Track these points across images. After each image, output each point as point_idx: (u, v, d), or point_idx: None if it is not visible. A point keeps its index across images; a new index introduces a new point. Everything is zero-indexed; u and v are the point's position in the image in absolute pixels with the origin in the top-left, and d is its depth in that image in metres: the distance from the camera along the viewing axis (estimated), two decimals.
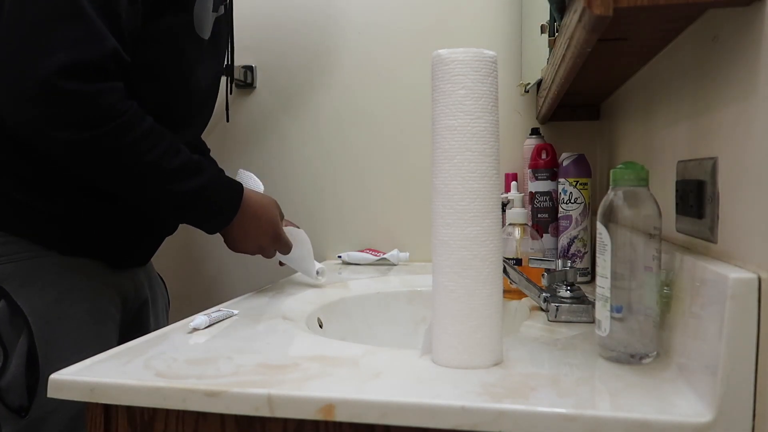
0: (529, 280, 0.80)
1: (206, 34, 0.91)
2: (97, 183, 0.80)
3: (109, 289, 0.88)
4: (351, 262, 1.29)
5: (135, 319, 0.98)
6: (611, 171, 0.56)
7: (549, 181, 1.08)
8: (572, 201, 1.00)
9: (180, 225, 1.04)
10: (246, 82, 1.39)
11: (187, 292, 1.44)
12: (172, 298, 1.47)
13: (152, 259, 1.04)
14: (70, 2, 0.71)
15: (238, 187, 0.88)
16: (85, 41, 0.72)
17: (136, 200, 0.82)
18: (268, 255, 0.96)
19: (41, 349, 0.78)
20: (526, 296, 0.84)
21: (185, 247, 1.41)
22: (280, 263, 1.03)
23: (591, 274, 1.02)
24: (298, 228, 1.00)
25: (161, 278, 1.11)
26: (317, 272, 1.01)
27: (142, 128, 0.76)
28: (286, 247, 0.96)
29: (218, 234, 0.91)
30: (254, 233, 0.91)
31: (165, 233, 0.99)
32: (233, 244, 0.92)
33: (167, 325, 1.04)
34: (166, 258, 1.41)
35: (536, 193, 1.09)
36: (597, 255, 0.58)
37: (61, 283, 0.81)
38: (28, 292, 0.79)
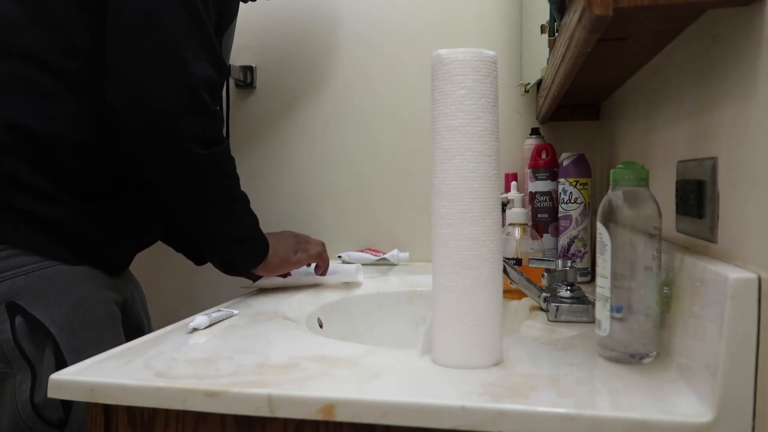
0: (529, 280, 0.80)
1: (229, 60, 0.98)
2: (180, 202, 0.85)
3: (113, 294, 0.88)
4: (351, 262, 1.29)
5: (133, 321, 0.99)
6: (611, 171, 0.56)
7: (549, 181, 1.08)
8: (572, 201, 1.00)
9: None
10: (246, 82, 1.39)
11: (187, 292, 1.44)
12: (172, 298, 1.48)
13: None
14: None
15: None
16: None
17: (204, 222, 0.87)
18: (308, 253, 0.99)
19: (69, 358, 0.77)
20: (526, 296, 0.84)
21: None
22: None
23: (591, 274, 1.02)
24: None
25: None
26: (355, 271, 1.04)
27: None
28: (312, 243, 1.01)
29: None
30: (284, 245, 0.97)
31: (151, 240, 0.99)
32: (271, 266, 0.95)
33: (150, 323, 1.05)
34: (168, 258, 1.41)
35: (536, 193, 1.09)
36: (597, 255, 0.58)
37: (73, 291, 0.80)
38: (44, 304, 0.77)
